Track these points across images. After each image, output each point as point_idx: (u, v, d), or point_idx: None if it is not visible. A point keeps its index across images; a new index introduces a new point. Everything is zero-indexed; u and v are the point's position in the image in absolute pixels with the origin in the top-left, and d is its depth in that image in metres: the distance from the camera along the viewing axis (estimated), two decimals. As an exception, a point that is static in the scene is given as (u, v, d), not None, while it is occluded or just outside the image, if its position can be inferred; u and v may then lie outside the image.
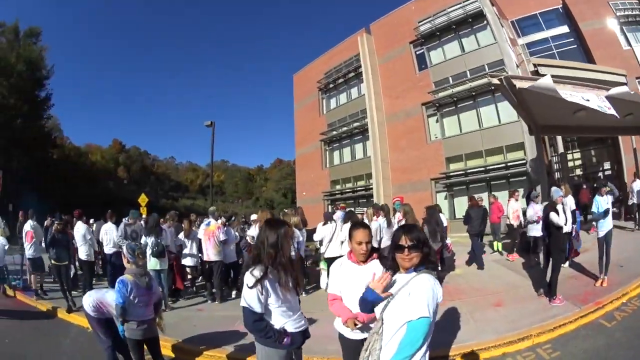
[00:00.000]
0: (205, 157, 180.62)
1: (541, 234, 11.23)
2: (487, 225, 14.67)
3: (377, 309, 3.18)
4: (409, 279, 3.01)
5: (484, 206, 15.02)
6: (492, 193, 18.86)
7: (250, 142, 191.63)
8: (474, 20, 27.36)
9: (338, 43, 37.67)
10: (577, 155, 27.73)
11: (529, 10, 28.80)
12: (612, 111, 10.41)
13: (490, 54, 25.97)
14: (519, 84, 11.25)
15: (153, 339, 5.76)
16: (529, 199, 13.53)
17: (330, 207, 34.37)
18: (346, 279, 4.07)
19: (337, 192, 36.43)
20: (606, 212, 9.46)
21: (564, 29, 28.19)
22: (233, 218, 13.51)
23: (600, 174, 26.43)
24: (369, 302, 3.26)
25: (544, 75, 11.74)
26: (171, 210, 14.13)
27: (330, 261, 10.93)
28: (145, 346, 5.69)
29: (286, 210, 15.45)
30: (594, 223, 10.37)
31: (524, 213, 13.21)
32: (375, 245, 10.18)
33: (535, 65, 15.58)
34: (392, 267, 3.24)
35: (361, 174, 33.85)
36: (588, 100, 10.44)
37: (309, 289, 11.25)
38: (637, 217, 15.71)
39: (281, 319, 3.82)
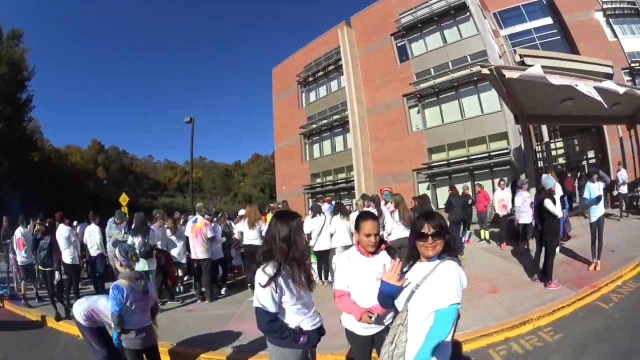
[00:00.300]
0: (182, 154, 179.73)
1: (530, 221, 11.59)
2: (474, 214, 15.01)
3: (401, 300, 3.08)
4: (433, 267, 2.95)
5: (469, 195, 15.19)
6: (479, 182, 18.86)
7: (228, 138, 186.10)
8: (457, 12, 27.53)
9: (318, 36, 37.61)
10: (560, 144, 28.22)
11: (512, 2, 29.13)
12: (600, 98, 10.54)
13: (472, 45, 26.20)
14: (508, 73, 11.32)
15: (152, 347, 5.42)
16: (514, 186, 13.75)
17: (310, 200, 34.49)
18: (355, 273, 3.92)
19: (317, 185, 36.41)
20: (598, 199, 9.63)
21: (548, 20, 28.58)
22: (220, 214, 13.32)
23: (584, 162, 26.94)
24: (387, 295, 3.19)
25: (530, 65, 11.79)
26: (152, 209, 13.90)
27: (319, 254, 10.92)
28: (144, 356, 5.33)
29: (272, 205, 15.38)
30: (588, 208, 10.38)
31: (512, 201, 13.23)
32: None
33: (521, 56, 15.56)
34: (412, 255, 3.19)
35: (342, 166, 33.91)
36: (577, 85, 10.58)
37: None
38: (622, 206, 15.99)
39: (296, 318, 3.63)
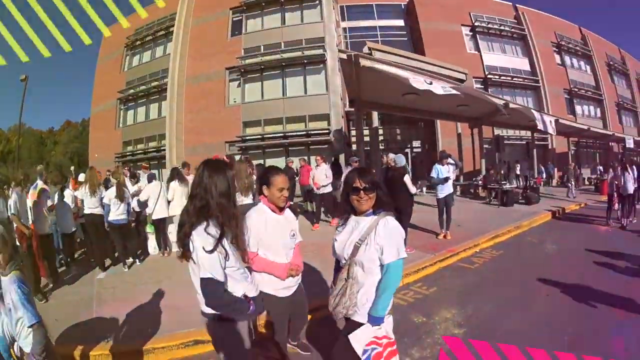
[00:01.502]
0: (7, 119, 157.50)
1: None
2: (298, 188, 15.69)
3: (344, 254, 3.16)
4: (372, 221, 3.06)
5: (292, 167, 15.78)
6: (303, 157, 19.33)
7: (52, 101, 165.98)
8: (306, -2, 27.69)
9: (160, -1, 35.14)
10: (381, 131, 30.30)
11: (367, 0, 31.02)
12: (453, 91, 11.94)
13: (312, 30, 26.99)
14: (363, 62, 11.94)
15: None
16: (335, 165, 15.15)
17: (123, 170, 31.88)
18: (269, 231, 3.72)
19: (128, 153, 33.94)
20: (446, 179, 10.71)
21: (399, 22, 30.70)
22: (69, 179, 11.56)
23: (408, 150, 30.08)
24: None
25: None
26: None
27: (157, 223, 10.11)
28: None
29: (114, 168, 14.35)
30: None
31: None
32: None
33: (370, 49, 16.10)
34: (345, 209, 3.27)
35: (154, 134, 32.33)
36: (431, 84, 11.55)
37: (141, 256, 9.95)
38: (457, 191, 18.11)
39: (241, 284, 2.99)
